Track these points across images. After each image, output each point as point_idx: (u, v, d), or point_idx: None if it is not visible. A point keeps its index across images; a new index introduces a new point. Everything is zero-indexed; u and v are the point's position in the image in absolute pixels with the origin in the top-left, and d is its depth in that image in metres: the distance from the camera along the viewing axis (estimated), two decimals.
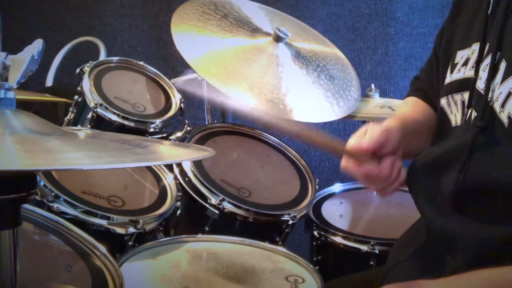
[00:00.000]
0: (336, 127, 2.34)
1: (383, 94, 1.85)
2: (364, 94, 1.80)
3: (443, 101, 0.97)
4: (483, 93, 0.84)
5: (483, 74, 0.86)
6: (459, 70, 0.93)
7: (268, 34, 1.65)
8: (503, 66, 0.82)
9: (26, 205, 0.93)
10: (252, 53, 1.59)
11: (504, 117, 0.80)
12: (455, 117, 0.93)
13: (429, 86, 1.12)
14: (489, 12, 0.88)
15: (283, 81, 1.55)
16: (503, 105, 0.80)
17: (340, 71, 1.71)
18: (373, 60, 2.41)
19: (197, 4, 1.65)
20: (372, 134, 0.97)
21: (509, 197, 0.79)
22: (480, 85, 0.86)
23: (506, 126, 0.79)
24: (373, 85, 1.83)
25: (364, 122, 1.82)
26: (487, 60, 0.85)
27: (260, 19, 1.72)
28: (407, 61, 2.38)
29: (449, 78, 0.96)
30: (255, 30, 1.66)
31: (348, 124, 2.32)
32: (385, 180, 0.97)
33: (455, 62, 0.95)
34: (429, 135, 1.04)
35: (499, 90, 0.81)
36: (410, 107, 1.14)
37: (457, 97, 0.93)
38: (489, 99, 0.83)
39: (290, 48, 1.65)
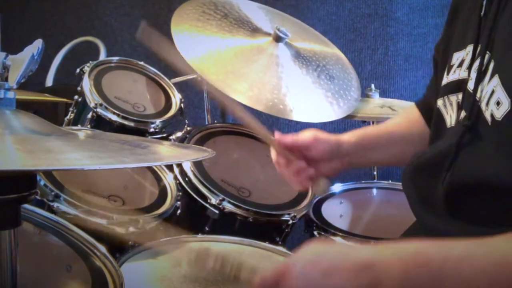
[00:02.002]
0: (336, 127, 2.34)
1: (383, 94, 1.85)
2: (364, 94, 1.80)
3: (439, 102, 0.97)
4: (472, 93, 0.85)
5: (474, 74, 0.86)
6: (454, 71, 0.94)
7: (268, 34, 1.65)
8: (491, 66, 0.83)
9: (26, 205, 0.93)
10: (252, 53, 1.59)
11: (488, 115, 0.80)
12: (450, 118, 0.94)
13: (427, 96, 1.15)
14: (482, 13, 0.89)
15: (283, 81, 1.55)
16: (487, 103, 0.81)
17: (340, 71, 1.71)
18: (373, 60, 2.41)
19: (197, 4, 1.65)
20: (300, 136, 1.11)
21: (497, 195, 0.79)
22: (471, 85, 0.86)
23: (490, 124, 0.80)
24: (373, 85, 1.83)
25: (364, 122, 1.83)
26: (478, 61, 0.86)
27: (260, 19, 1.72)
28: (407, 61, 2.38)
29: (445, 80, 0.97)
30: (255, 30, 1.66)
31: (348, 124, 2.32)
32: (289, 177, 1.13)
33: (451, 64, 0.96)
34: (407, 146, 1.15)
35: (486, 90, 0.82)
36: (398, 118, 1.25)
37: (453, 98, 0.93)
38: (477, 99, 0.83)
39: (290, 48, 1.65)
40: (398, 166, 1.19)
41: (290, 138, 1.11)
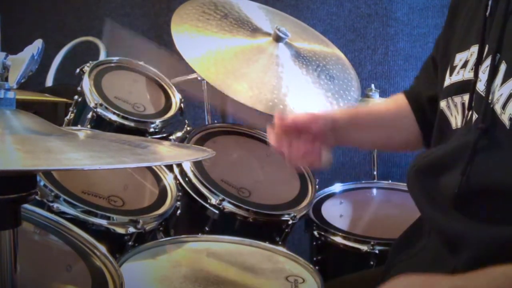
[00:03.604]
0: None
1: (383, 94, 1.85)
2: (364, 94, 1.80)
3: (442, 104, 0.97)
4: (483, 95, 0.84)
5: (483, 76, 0.85)
6: (458, 72, 0.93)
7: (268, 34, 1.65)
8: (503, 67, 0.82)
9: (26, 205, 0.93)
10: (252, 53, 1.59)
11: (505, 119, 0.80)
12: (455, 120, 0.93)
13: (417, 87, 1.15)
14: (487, 14, 0.88)
15: (283, 81, 1.55)
16: (504, 107, 0.80)
17: (340, 71, 1.71)
18: (373, 60, 2.41)
19: (197, 4, 1.65)
20: (299, 115, 1.15)
21: (510, 198, 0.79)
22: (481, 87, 0.85)
23: (508, 127, 0.79)
24: (373, 85, 1.83)
25: None
26: (487, 62, 0.85)
27: (260, 19, 1.72)
28: (407, 61, 2.38)
29: (448, 81, 0.96)
30: (255, 30, 1.66)
31: None
32: (294, 154, 1.12)
33: (454, 65, 0.95)
34: (393, 131, 1.17)
35: (500, 92, 0.81)
36: (389, 101, 1.25)
37: (457, 99, 0.93)
38: (489, 101, 0.83)
39: (290, 48, 1.65)
40: (381, 151, 1.24)
41: (289, 118, 1.12)
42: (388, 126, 1.18)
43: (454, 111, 0.93)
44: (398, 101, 1.18)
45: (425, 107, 1.11)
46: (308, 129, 1.11)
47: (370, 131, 1.19)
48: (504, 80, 0.81)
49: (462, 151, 0.85)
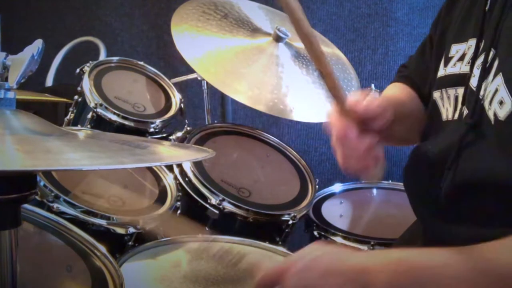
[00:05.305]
0: None
1: None
2: None
3: (436, 94, 0.96)
4: (475, 90, 0.84)
5: (477, 71, 0.85)
6: (454, 64, 0.93)
7: (268, 34, 1.65)
8: (496, 64, 0.82)
9: (26, 205, 0.93)
10: (252, 53, 1.59)
11: (491, 114, 0.80)
12: (447, 111, 0.93)
13: (417, 74, 1.11)
14: (487, 8, 0.88)
15: (283, 81, 1.55)
16: (490, 102, 0.80)
17: (340, 71, 1.71)
18: (373, 60, 2.41)
19: (197, 4, 1.65)
20: (371, 103, 0.94)
21: (498, 194, 0.79)
22: (474, 82, 0.86)
23: (493, 123, 0.79)
24: (373, 85, 1.83)
25: None
26: (482, 58, 0.85)
27: (260, 19, 1.72)
28: None
29: (442, 71, 0.95)
30: (255, 30, 1.66)
31: None
32: (354, 152, 0.92)
33: (449, 56, 0.95)
34: (414, 121, 1.05)
35: (489, 88, 0.81)
36: (397, 90, 1.12)
37: (451, 91, 0.92)
38: (480, 97, 0.83)
39: (290, 48, 1.65)
40: (404, 146, 1.07)
41: (361, 106, 0.92)
42: (411, 117, 1.06)
43: (447, 103, 0.93)
44: (405, 90, 1.11)
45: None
46: (373, 123, 0.93)
47: (398, 123, 1.01)
48: (494, 76, 0.81)
49: (452, 147, 0.85)
